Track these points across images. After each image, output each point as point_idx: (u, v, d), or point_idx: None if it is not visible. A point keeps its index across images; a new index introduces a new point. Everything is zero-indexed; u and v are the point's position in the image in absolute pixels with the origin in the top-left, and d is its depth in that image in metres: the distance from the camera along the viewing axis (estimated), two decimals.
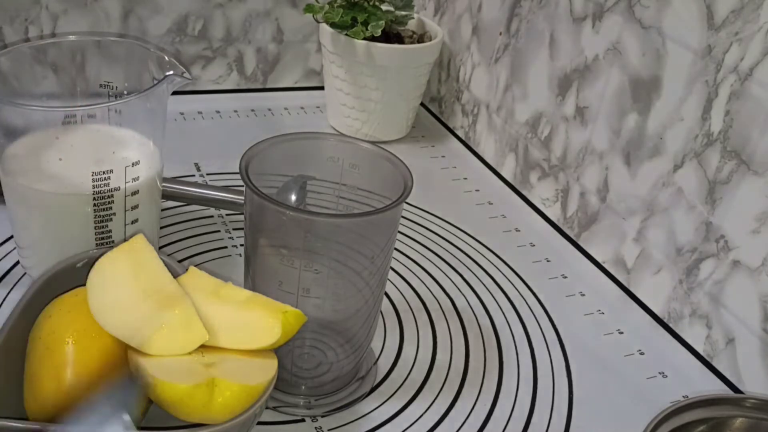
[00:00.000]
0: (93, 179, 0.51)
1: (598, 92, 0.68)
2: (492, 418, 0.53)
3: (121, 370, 0.43)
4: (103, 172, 0.51)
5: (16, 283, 0.58)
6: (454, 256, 0.69)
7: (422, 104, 0.95)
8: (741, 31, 0.55)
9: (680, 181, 0.61)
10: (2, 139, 0.51)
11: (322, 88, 0.90)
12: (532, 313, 0.63)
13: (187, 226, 0.67)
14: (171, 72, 0.54)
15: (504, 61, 0.81)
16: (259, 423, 0.49)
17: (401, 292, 0.63)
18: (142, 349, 0.42)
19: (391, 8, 0.82)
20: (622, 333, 0.63)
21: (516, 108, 0.80)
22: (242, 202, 0.55)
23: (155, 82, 0.54)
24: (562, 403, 0.55)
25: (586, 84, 0.70)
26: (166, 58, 0.55)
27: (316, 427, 0.50)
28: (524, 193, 0.80)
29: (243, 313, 0.45)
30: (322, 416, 0.51)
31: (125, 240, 0.49)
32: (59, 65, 0.56)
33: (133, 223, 0.55)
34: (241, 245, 0.65)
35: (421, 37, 0.85)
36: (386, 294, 0.63)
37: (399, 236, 0.70)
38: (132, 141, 0.54)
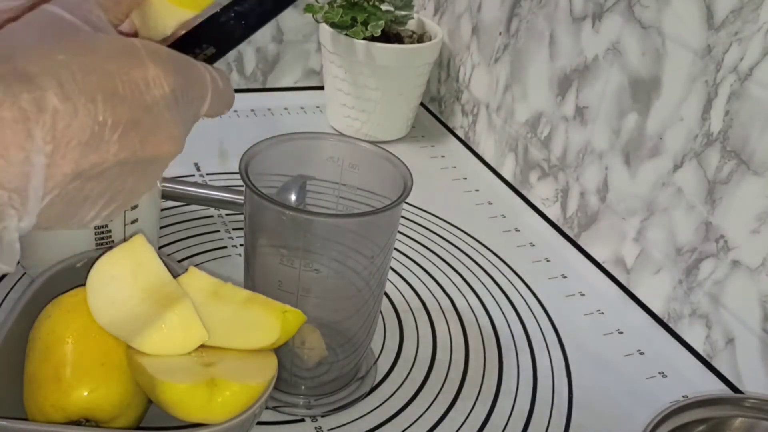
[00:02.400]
0: None
1: (598, 92, 0.68)
2: (492, 418, 0.53)
3: (121, 369, 0.43)
4: None
5: (16, 283, 0.58)
6: (454, 256, 0.69)
7: (422, 104, 0.95)
8: (741, 31, 0.55)
9: (680, 181, 0.61)
10: None
11: (322, 88, 0.90)
12: (532, 313, 0.63)
13: (186, 226, 0.67)
14: None
15: (504, 61, 0.81)
16: (259, 423, 0.49)
17: (401, 292, 0.63)
18: (142, 348, 0.42)
19: (391, 8, 0.82)
20: (622, 333, 0.63)
21: (516, 108, 0.80)
22: (242, 202, 0.55)
23: None
24: (562, 403, 0.55)
25: (585, 84, 0.70)
26: None
27: (315, 427, 0.50)
28: (524, 193, 0.80)
29: (242, 313, 0.45)
30: (322, 416, 0.51)
31: (125, 240, 0.49)
32: None
33: (132, 223, 0.55)
34: (241, 245, 0.65)
35: (420, 37, 0.85)
36: (386, 294, 0.63)
37: (399, 236, 0.70)
38: None
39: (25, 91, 0.26)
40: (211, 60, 0.37)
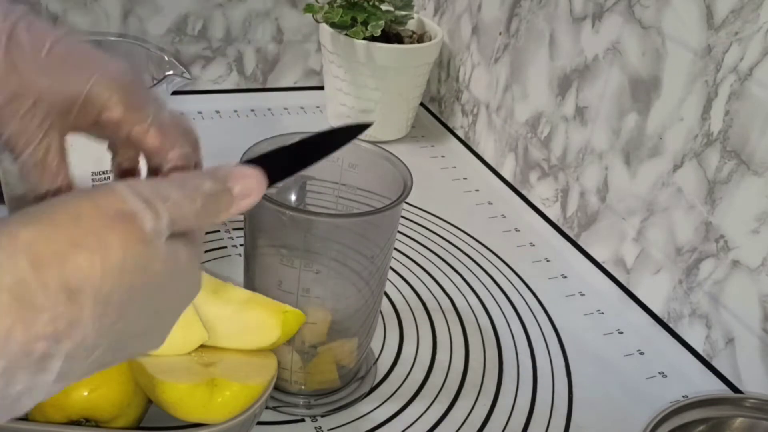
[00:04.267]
0: (93, 179, 0.51)
1: (598, 92, 0.68)
2: (492, 418, 0.53)
3: (121, 370, 0.43)
4: (103, 172, 0.51)
5: None
6: (454, 256, 0.69)
7: (422, 104, 0.95)
8: (741, 31, 0.55)
9: (680, 181, 0.61)
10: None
11: (322, 88, 0.90)
12: (532, 313, 0.63)
13: None
14: (171, 72, 0.54)
15: (504, 61, 0.81)
16: (259, 423, 0.49)
17: (401, 292, 0.63)
18: None
19: (391, 8, 0.82)
20: (622, 333, 0.63)
21: (516, 108, 0.80)
22: None
23: (155, 82, 0.54)
24: (562, 403, 0.55)
25: (585, 84, 0.70)
26: (166, 58, 0.55)
27: (315, 427, 0.50)
28: (524, 193, 0.80)
29: (243, 313, 0.45)
30: (322, 416, 0.51)
31: None
32: None
33: None
34: (241, 245, 0.65)
35: (420, 37, 0.85)
36: (386, 294, 0.63)
37: (399, 236, 0.70)
38: None
39: (66, 306, 0.25)
40: None
